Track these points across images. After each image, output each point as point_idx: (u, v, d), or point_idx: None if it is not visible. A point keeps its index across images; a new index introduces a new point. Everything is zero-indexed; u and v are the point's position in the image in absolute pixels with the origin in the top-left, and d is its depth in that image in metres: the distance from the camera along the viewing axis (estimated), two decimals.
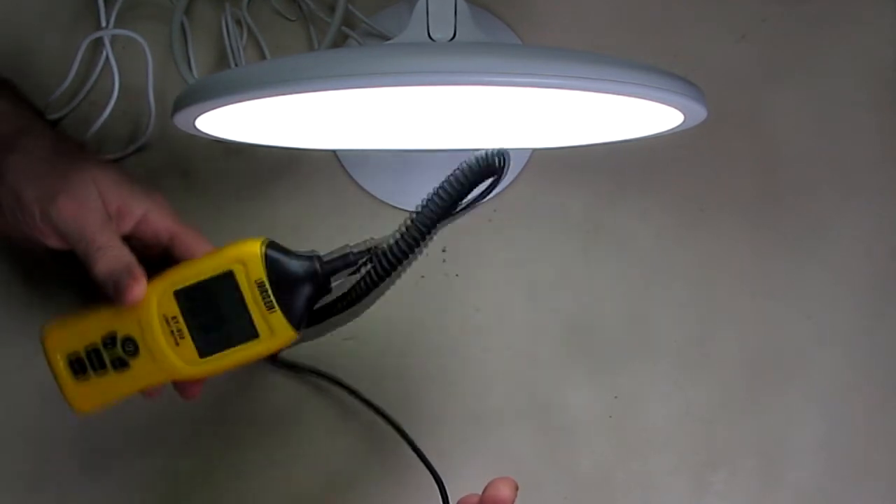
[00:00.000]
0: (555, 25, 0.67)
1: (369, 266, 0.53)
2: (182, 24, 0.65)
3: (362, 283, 0.54)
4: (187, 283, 0.53)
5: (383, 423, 0.64)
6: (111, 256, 0.53)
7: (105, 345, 0.54)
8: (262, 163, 0.66)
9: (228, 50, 0.65)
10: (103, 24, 0.64)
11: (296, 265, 0.53)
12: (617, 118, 0.56)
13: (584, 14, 0.68)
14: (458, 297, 0.67)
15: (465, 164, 0.51)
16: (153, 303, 0.53)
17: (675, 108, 0.48)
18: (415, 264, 0.66)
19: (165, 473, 0.66)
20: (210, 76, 0.47)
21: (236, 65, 0.65)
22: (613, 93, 0.44)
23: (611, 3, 0.68)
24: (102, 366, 0.54)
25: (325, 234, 0.66)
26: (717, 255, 0.68)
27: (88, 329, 0.54)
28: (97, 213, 0.54)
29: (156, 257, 0.57)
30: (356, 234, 0.66)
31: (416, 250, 0.52)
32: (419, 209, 0.52)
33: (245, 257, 0.53)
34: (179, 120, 0.49)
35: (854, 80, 0.69)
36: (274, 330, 0.53)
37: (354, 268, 0.54)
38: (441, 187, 0.51)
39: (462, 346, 0.67)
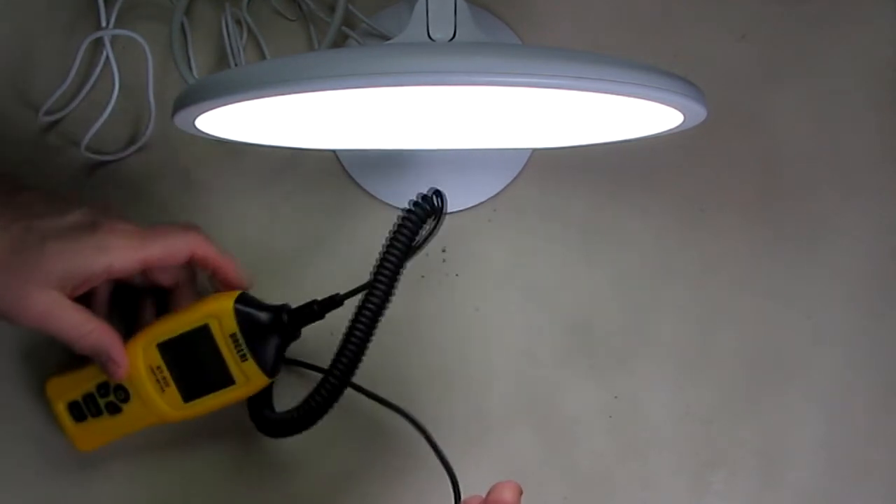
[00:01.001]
0: (555, 25, 0.67)
1: (350, 326, 0.58)
2: (182, 24, 0.65)
3: (350, 344, 0.59)
4: (168, 337, 0.59)
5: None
6: (88, 344, 0.57)
7: (99, 392, 0.60)
8: (262, 163, 0.66)
9: (228, 50, 0.65)
10: (103, 24, 0.64)
11: (265, 317, 0.59)
12: (617, 118, 0.56)
13: (584, 14, 0.68)
14: (458, 297, 0.67)
15: (409, 212, 0.58)
16: (139, 355, 0.59)
17: (675, 108, 0.48)
18: (415, 264, 0.67)
19: (164, 474, 0.66)
20: (210, 76, 0.47)
21: (236, 65, 0.65)
22: (613, 93, 0.44)
23: (611, 3, 0.68)
24: (98, 411, 0.60)
25: (326, 234, 0.66)
26: (717, 255, 0.68)
27: (84, 379, 0.60)
28: (64, 313, 0.55)
29: (135, 283, 0.61)
30: (356, 234, 0.66)
31: (386, 305, 0.58)
32: (378, 266, 0.58)
33: (218, 312, 0.59)
34: (179, 120, 0.49)
35: (854, 80, 0.69)
36: (248, 377, 0.59)
37: (321, 319, 0.61)
38: (394, 239, 0.58)
39: (462, 346, 0.67)
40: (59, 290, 0.54)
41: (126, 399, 0.60)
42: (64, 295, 0.55)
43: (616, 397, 0.68)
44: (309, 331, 0.62)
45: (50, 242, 0.54)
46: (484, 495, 0.52)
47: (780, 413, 0.68)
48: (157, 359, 0.59)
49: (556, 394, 0.68)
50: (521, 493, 0.51)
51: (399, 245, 0.58)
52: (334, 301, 0.60)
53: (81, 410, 0.60)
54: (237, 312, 0.59)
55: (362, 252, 0.65)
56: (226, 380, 0.59)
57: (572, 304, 0.68)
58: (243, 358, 0.59)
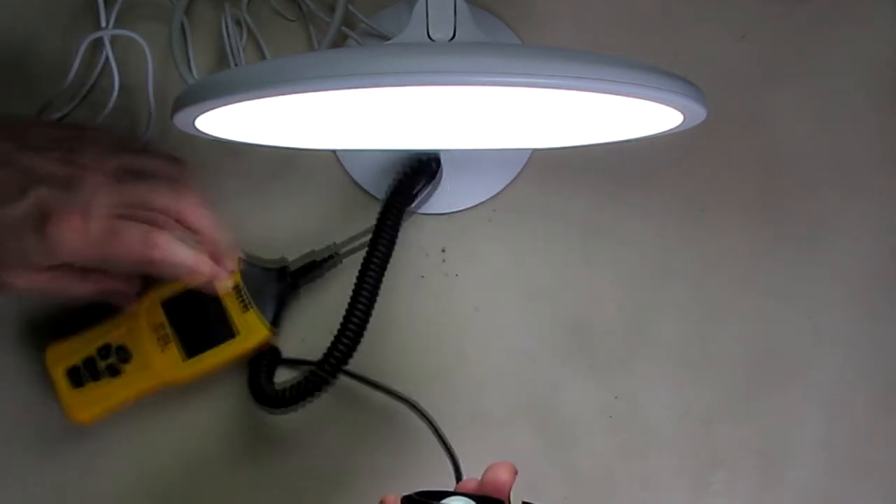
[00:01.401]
0: (555, 25, 0.67)
1: (358, 281, 0.61)
2: (182, 25, 0.65)
3: (360, 297, 0.61)
4: (172, 294, 0.61)
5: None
6: (80, 295, 0.56)
7: (100, 354, 0.60)
8: (262, 163, 0.66)
9: (228, 50, 0.65)
10: (103, 24, 0.64)
11: (266, 271, 0.62)
12: (617, 118, 0.56)
13: (584, 14, 0.68)
14: (458, 297, 0.67)
15: (405, 172, 0.63)
16: (142, 314, 0.61)
17: (675, 108, 0.48)
18: (415, 264, 0.67)
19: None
20: (210, 76, 0.47)
21: (236, 65, 0.65)
22: (613, 93, 0.44)
23: (611, 3, 0.68)
24: (97, 374, 0.60)
25: (325, 233, 0.66)
26: (717, 255, 0.68)
27: (85, 343, 0.61)
28: (40, 285, 0.54)
29: None
30: (356, 233, 0.66)
31: (388, 262, 0.62)
32: (378, 223, 0.61)
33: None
34: (179, 120, 0.49)
35: (854, 80, 0.69)
36: (250, 328, 0.61)
37: (319, 270, 0.64)
38: (391, 197, 0.62)
39: (462, 346, 0.67)
40: (27, 273, 0.53)
41: (127, 359, 0.60)
42: (35, 270, 0.54)
43: (616, 397, 0.68)
44: (308, 330, 0.62)
45: (13, 225, 0.52)
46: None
47: (780, 413, 0.68)
48: (161, 316, 0.60)
49: (556, 394, 0.67)
50: (515, 472, 0.51)
51: (398, 204, 0.61)
52: (333, 258, 0.64)
53: (80, 375, 0.60)
54: (240, 263, 0.61)
55: (362, 251, 0.66)
56: (227, 332, 0.60)
57: (572, 304, 0.68)
58: (245, 308, 0.61)
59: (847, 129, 0.69)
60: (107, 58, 0.64)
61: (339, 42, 0.66)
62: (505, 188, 0.67)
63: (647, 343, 0.68)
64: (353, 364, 0.62)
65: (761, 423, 0.68)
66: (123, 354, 0.60)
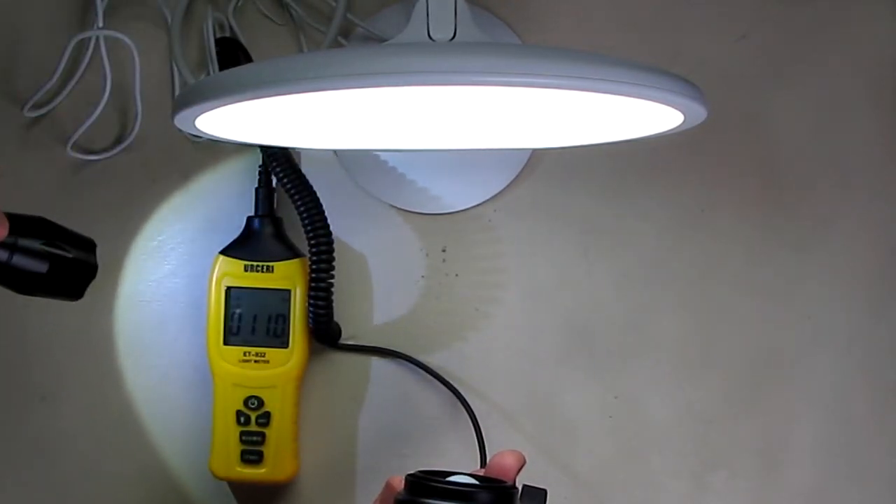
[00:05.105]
0: (555, 25, 0.67)
1: None
2: (167, 26, 0.65)
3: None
4: None
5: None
6: None
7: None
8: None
9: (209, 54, 0.64)
10: (94, 24, 0.64)
11: None
12: (617, 118, 0.56)
13: (584, 14, 0.68)
14: (458, 297, 0.67)
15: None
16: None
17: (675, 108, 0.48)
18: (415, 264, 0.67)
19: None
20: (210, 76, 0.47)
21: (216, 69, 0.65)
22: (613, 93, 0.44)
23: (611, 3, 0.68)
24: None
25: None
26: (717, 255, 0.68)
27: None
28: None
29: None
30: (357, 234, 0.66)
31: None
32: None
33: None
34: (180, 120, 0.49)
35: (854, 80, 0.69)
36: None
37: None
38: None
39: (462, 345, 0.67)
40: None
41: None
42: None
43: (616, 397, 0.68)
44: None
45: None
46: None
47: (780, 413, 0.68)
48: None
49: (556, 394, 0.67)
50: (523, 460, 0.51)
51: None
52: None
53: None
54: None
55: (362, 251, 0.66)
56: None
57: (572, 304, 0.68)
58: None
59: (847, 129, 0.69)
60: (97, 57, 0.64)
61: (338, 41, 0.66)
62: (505, 188, 0.67)
63: (647, 343, 0.68)
64: (351, 370, 0.62)
65: (761, 423, 0.68)
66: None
